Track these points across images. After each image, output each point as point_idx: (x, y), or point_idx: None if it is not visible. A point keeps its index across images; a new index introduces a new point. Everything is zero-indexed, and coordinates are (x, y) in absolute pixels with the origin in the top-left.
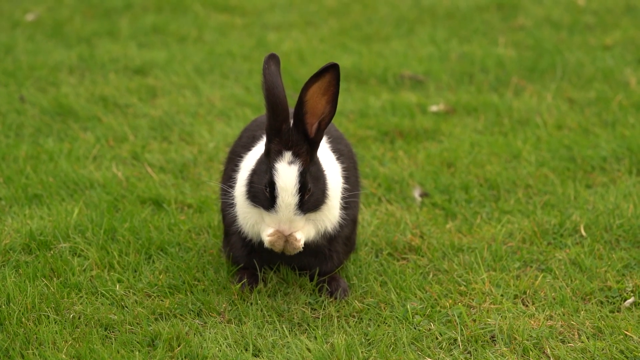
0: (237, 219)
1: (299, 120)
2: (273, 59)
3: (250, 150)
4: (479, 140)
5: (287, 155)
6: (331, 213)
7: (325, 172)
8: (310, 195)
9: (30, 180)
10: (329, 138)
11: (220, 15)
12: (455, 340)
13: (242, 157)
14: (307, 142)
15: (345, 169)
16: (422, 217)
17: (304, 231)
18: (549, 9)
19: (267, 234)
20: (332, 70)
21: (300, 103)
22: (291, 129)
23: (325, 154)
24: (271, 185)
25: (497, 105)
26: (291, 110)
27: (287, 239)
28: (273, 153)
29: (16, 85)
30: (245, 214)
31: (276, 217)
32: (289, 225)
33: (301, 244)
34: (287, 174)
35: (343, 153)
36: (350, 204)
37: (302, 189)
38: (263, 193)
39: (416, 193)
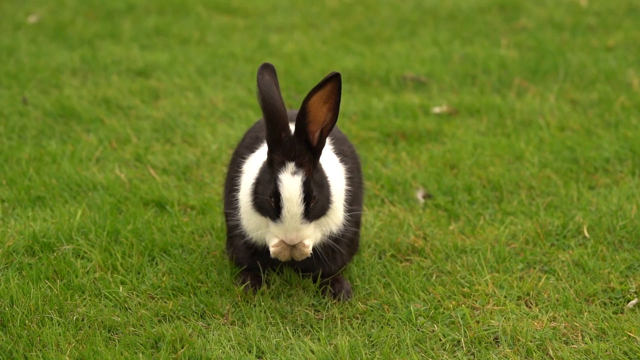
0: (240, 222)
1: (301, 129)
2: (266, 68)
3: (253, 152)
4: (481, 141)
5: (290, 165)
6: (336, 215)
7: (329, 177)
8: (316, 203)
9: (33, 182)
10: (332, 139)
11: (222, 17)
12: (459, 341)
13: (245, 158)
14: (309, 151)
15: (348, 170)
16: (425, 219)
17: (311, 237)
18: (551, 10)
19: (272, 245)
20: (334, 80)
21: (303, 112)
22: (293, 138)
23: (328, 155)
24: (276, 196)
25: (499, 106)
26: (290, 112)
27: (295, 245)
28: (276, 164)
29: (19, 87)
30: (249, 217)
31: (282, 226)
32: (296, 235)
33: (309, 249)
34: (291, 184)
35: (347, 154)
36: (354, 206)
37: (307, 198)
38: (269, 203)
39: (419, 195)
